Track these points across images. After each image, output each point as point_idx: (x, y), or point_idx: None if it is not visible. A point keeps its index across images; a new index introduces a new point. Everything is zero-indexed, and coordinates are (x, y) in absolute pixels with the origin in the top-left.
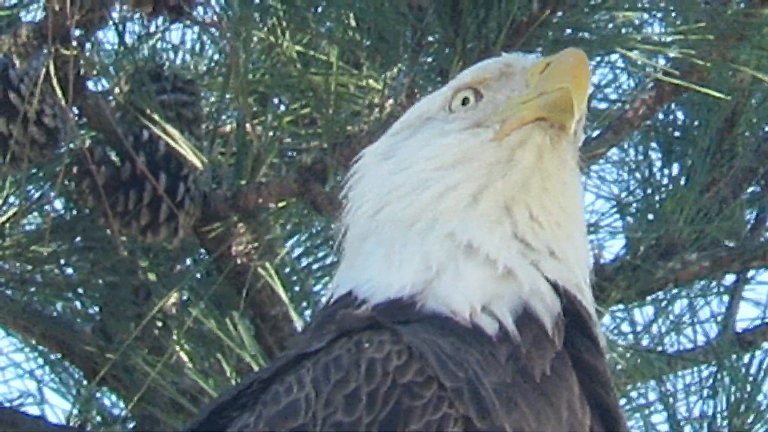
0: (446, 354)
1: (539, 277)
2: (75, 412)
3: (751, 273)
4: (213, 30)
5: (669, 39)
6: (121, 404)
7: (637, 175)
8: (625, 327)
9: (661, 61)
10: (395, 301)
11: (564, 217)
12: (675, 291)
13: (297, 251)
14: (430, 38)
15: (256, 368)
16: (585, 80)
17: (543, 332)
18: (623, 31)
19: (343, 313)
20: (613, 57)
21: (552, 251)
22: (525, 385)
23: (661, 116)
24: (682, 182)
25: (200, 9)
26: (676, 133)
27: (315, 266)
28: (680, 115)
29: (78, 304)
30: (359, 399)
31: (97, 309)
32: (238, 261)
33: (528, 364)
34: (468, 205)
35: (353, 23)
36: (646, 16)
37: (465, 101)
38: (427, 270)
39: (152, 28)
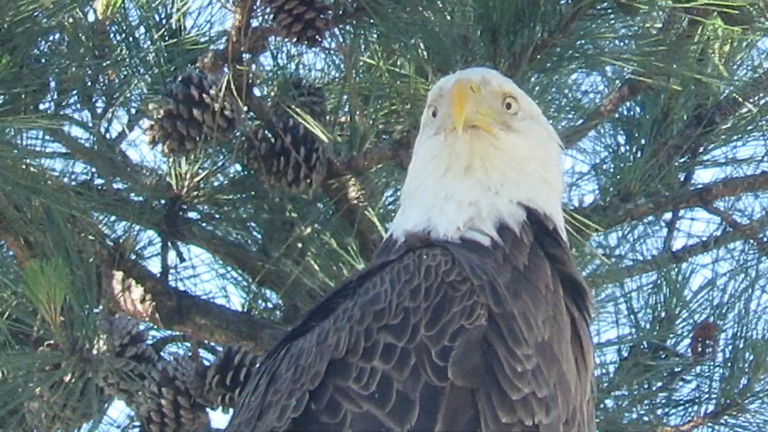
0: (475, 263)
1: (498, 200)
2: (246, 302)
3: (681, 212)
4: (335, 54)
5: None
6: (275, 297)
7: (608, 148)
8: (599, 249)
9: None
10: (413, 234)
11: (509, 163)
12: (633, 223)
13: (390, 197)
14: (476, 56)
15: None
16: (460, 105)
17: (515, 235)
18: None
19: (408, 234)
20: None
21: (504, 183)
22: (522, 281)
23: (624, 111)
24: (637, 153)
25: (327, 39)
26: (633, 122)
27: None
28: (637, 109)
29: (247, 232)
30: (419, 291)
31: (259, 236)
32: (351, 203)
33: (513, 260)
34: (442, 176)
35: (423, 49)
36: (617, 42)
37: (434, 113)
38: (424, 213)
39: (294, 52)
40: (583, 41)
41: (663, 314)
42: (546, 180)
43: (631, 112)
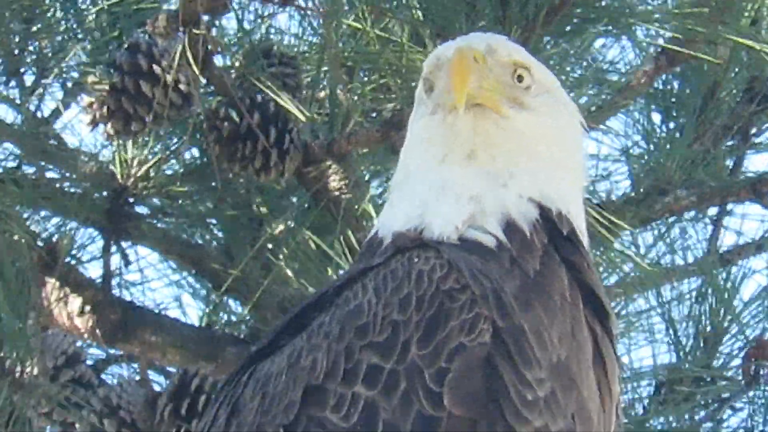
0: (476, 267)
1: (506, 194)
2: (205, 315)
3: (729, 206)
4: (312, 15)
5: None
6: (240, 309)
7: (640, 129)
8: (631, 250)
9: (661, 41)
10: (402, 233)
11: (520, 149)
12: (672, 220)
13: (378, 187)
14: (482, 22)
15: None
16: (462, 79)
17: (524, 236)
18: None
19: (397, 233)
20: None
21: (513, 173)
22: (534, 289)
23: (660, 85)
24: (675, 136)
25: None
26: (671, 99)
27: None
28: (676, 82)
29: (206, 230)
30: (410, 302)
31: (222, 235)
32: (332, 195)
33: (523, 264)
34: (439, 163)
35: (420, 11)
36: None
37: (431, 87)
38: (417, 207)
39: (265, 14)
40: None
41: (708, 329)
42: (565, 169)
43: (670, 86)
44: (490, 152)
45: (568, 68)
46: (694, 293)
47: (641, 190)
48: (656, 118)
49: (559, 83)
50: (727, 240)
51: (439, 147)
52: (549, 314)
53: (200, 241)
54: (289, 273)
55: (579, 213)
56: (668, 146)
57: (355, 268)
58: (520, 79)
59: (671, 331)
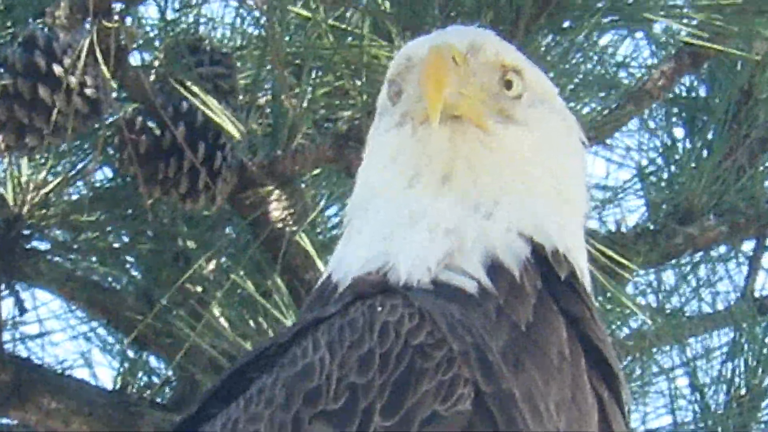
0: (455, 318)
1: (490, 227)
2: (120, 374)
3: None
4: (250, 2)
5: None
6: (164, 366)
7: (657, 143)
8: (648, 291)
9: (683, 33)
10: (362, 278)
11: (508, 172)
12: (696, 257)
13: (332, 217)
14: (459, 9)
15: None
16: (438, 84)
17: (513, 279)
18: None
19: (356, 278)
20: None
21: (499, 202)
22: (526, 345)
23: (681, 88)
24: (701, 151)
25: None
26: (695, 104)
27: None
28: (700, 87)
29: (121, 270)
30: (373, 360)
31: (139, 276)
32: (274, 227)
33: (511, 314)
34: (407, 187)
35: None
36: None
37: (398, 92)
38: (380, 243)
39: (192, 1)
40: None
41: (743, 391)
42: (562, 197)
43: (694, 92)
44: (471, 175)
45: (568, 69)
46: (725, 348)
47: (659, 219)
48: (678, 130)
49: (555, 90)
50: (766, 282)
51: (408, 167)
52: (544, 376)
53: (113, 284)
54: (223, 322)
55: (580, 251)
56: (693, 164)
57: (305, 318)
58: (508, 85)
59: (697, 395)
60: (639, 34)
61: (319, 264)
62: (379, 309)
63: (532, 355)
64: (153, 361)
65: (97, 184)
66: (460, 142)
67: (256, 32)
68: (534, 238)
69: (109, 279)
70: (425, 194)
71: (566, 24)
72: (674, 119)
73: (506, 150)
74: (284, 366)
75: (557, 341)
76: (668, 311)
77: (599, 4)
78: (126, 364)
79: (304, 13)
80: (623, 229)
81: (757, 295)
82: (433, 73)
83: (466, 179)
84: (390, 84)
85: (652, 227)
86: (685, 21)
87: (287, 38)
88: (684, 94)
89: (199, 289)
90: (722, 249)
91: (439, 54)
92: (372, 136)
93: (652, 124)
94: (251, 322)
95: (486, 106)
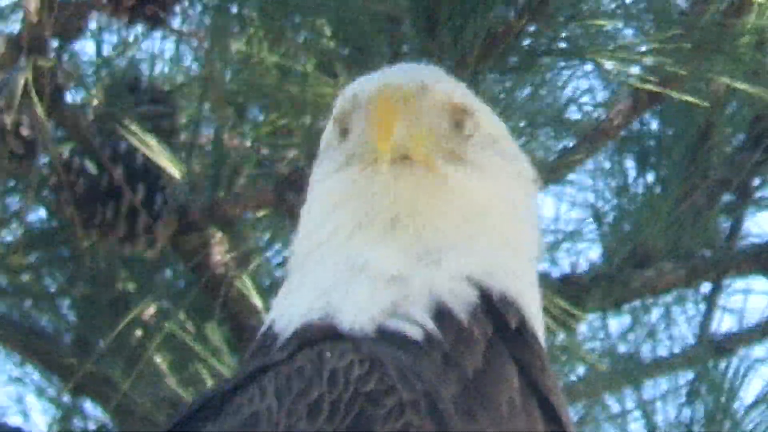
0: (405, 365)
1: (438, 274)
2: (55, 422)
3: (728, 282)
4: (190, 40)
5: (644, 48)
6: (101, 414)
7: (612, 184)
8: (602, 335)
9: (637, 70)
10: (309, 325)
11: (457, 216)
12: (651, 300)
13: (274, 261)
14: (406, 48)
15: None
16: (387, 125)
17: (461, 326)
18: (599, 40)
19: (304, 325)
20: (588, 67)
21: (446, 249)
22: (477, 394)
23: (635, 127)
24: (657, 192)
25: (178, 19)
26: (651, 143)
27: None
28: (655, 125)
29: (57, 314)
30: (322, 408)
31: (75, 320)
32: (216, 271)
33: (460, 362)
34: (350, 235)
35: (329, 33)
36: (620, 26)
37: (344, 132)
38: (321, 294)
39: (130, 38)
40: (568, 25)
41: None
42: (513, 242)
43: (650, 130)
44: (417, 221)
45: (517, 109)
46: (683, 391)
47: (615, 263)
48: (633, 170)
49: (506, 131)
50: (724, 325)
51: (351, 213)
52: (497, 427)
53: (48, 328)
54: (163, 369)
55: (531, 295)
56: (650, 206)
57: (249, 366)
58: (459, 125)
59: None
60: (591, 72)
61: (261, 308)
62: (328, 355)
63: (482, 405)
64: (89, 408)
65: (33, 226)
66: (407, 185)
67: (196, 69)
68: (482, 283)
69: (44, 323)
70: (368, 243)
71: (514, 62)
72: (628, 159)
73: (454, 193)
74: (229, 415)
75: (508, 389)
76: (622, 355)
77: (546, 48)
78: (62, 411)
79: (246, 49)
80: (578, 272)
81: (716, 338)
82: (382, 114)
83: (412, 225)
84: (335, 123)
85: (607, 270)
86: (633, 63)
87: (229, 75)
88: (638, 133)
89: (138, 334)
90: (680, 291)
91: (387, 95)
92: (315, 176)
93: (606, 165)
94: (191, 370)
95: (435, 147)
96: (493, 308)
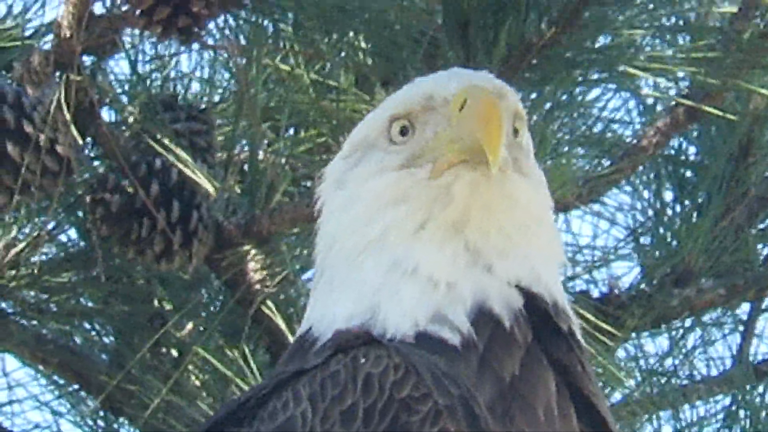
0: (441, 370)
1: (488, 279)
2: None
3: (766, 303)
4: (224, 55)
5: (681, 62)
6: None
7: (651, 203)
8: (641, 355)
9: (673, 85)
10: (346, 333)
11: (515, 227)
12: (689, 321)
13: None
14: (441, 61)
15: None
16: (495, 128)
17: (503, 330)
18: (632, 53)
19: (339, 330)
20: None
21: (502, 256)
22: (514, 399)
23: (674, 144)
24: (695, 210)
25: (212, 35)
26: (689, 161)
27: None
28: (692, 144)
29: (93, 333)
30: (356, 414)
31: (112, 339)
32: (253, 288)
33: (495, 366)
34: (411, 236)
35: (365, 48)
36: (657, 41)
37: (403, 131)
38: (365, 297)
39: (165, 54)
40: (601, 39)
41: None
42: (553, 250)
43: (689, 148)
44: (485, 224)
45: (549, 124)
46: (722, 416)
47: (653, 282)
48: (670, 190)
49: (531, 144)
50: (764, 347)
51: (418, 211)
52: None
53: (84, 347)
54: (198, 386)
55: (568, 302)
56: (688, 225)
57: (284, 370)
58: (516, 133)
59: None
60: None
61: (287, 329)
62: (363, 361)
63: (519, 409)
64: (128, 428)
65: (69, 245)
66: (483, 189)
67: (232, 87)
68: (533, 290)
69: (80, 342)
70: (430, 243)
71: (547, 74)
72: (668, 176)
73: (519, 201)
74: (264, 420)
75: (545, 395)
76: (661, 376)
77: (580, 57)
78: (99, 431)
79: (282, 66)
80: (617, 292)
81: (752, 359)
82: (492, 118)
83: (479, 229)
84: (393, 120)
85: (646, 289)
86: (670, 78)
87: (265, 92)
88: (677, 151)
89: (174, 353)
90: (719, 312)
91: (493, 100)
92: (344, 173)
93: (639, 185)
94: (227, 389)
95: (510, 155)
96: (536, 314)
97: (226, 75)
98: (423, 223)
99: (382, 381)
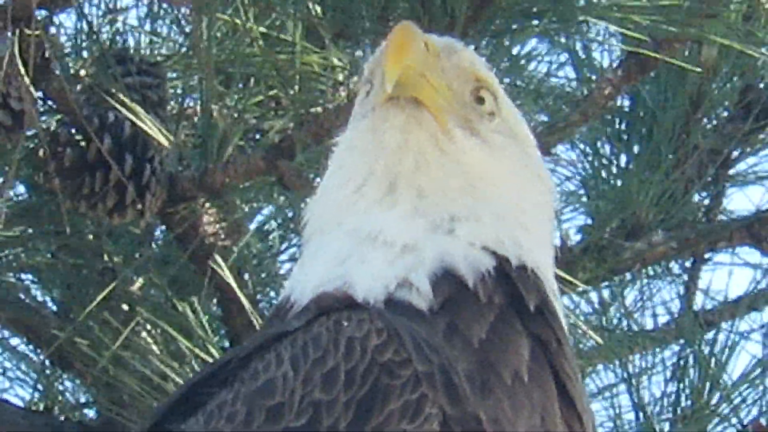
0: (421, 337)
1: (451, 242)
2: (38, 397)
3: (715, 254)
4: (176, 9)
5: (638, 11)
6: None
7: (602, 156)
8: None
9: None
10: (328, 296)
11: (456, 183)
12: (636, 272)
13: (264, 231)
14: (396, 14)
15: (216, 353)
16: (398, 53)
17: (468, 292)
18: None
19: (321, 294)
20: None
21: (457, 216)
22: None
23: (628, 100)
24: (650, 164)
25: None
26: (640, 114)
27: (283, 247)
28: (643, 97)
29: (43, 287)
30: (337, 377)
31: (60, 294)
32: (205, 242)
33: (463, 329)
34: (358, 198)
35: (317, 5)
36: None
37: (368, 92)
38: (335, 265)
39: (117, 6)
40: None
41: (690, 411)
42: (526, 217)
43: (640, 101)
44: (417, 180)
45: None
46: (670, 365)
47: (605, 235)
48: (623, 142)
49: (528, 132)
50: (711, 297)
51: (360, 164)
52: (513, 401)
53: (33, 301)
54: (149, 342)
55: (551, 277)
56: (639, 178)
57: (266, 332)
58: (480, 101)
59: (640, 414)
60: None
61: (240, 289)
62: (345, 324)
63: (499, 379)
64: (76, 381)
65: (19, 198)
66: (414, 133)
67: (182, 41)
68: (498, 252)
69: (30, 296)
70: (374, 207)
71: (499, 26)
72: (618, 129)
73: (461, 157)
74: (245, 381)
75: (514, 361)
76: (608, 328)
77: (535, 9)
78: (50, 386)
79: (233, 20)
80: (569, 244)
81: (702, 309)
82: (397, 44)
83: (412, 185)
84: (365, 84)
85: (597, 242)
86: (625, 26)
87: (215, 46)
88: (629, 104)
89: (124, 307)
90: (671, 264)
91: (407, 29)
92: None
93: (592, 136)
94: (178, 345)
95: (451, 108)
96: (510, 280)
97: (177, 29)
98: (363, 182)
99: (364, 345)
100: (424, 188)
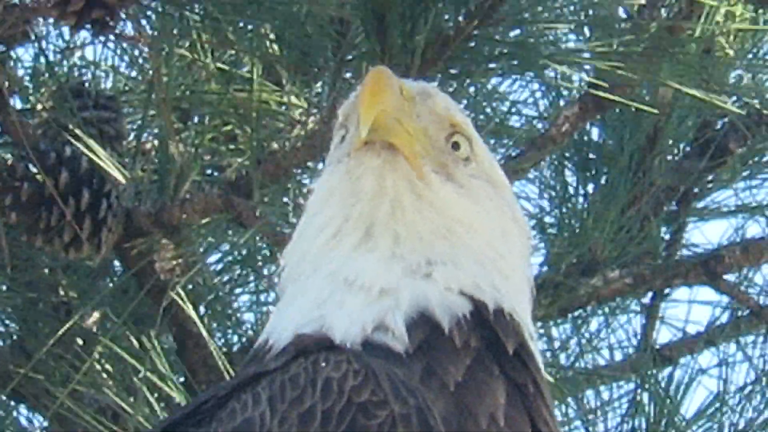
0: (399, 379)
1: (427, 286)
2: None
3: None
4: (134, 45)
5: (592, 53)
6: (40, 422)
7: (554, 193)
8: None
9: (584, 76)
10: (307, 338)
11: (432, 228)
12: (592, 309)
13: (218, 267)
14: (354, 53)
15: (168, 389)
16: (372, 99)
17: (443, 336)
18: (547, 47)
19: (299, 335)
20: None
21: (434, 260)
22: (459, 406)
23: (586, 136)
24: (604, 200)
25: (123, 24)
26: (595, 151)
27: (238, 282)
28: (600, 135)
29: None
30: (314, 417)
31: (15, 327)
32: (161, 277)
33: (440, 373)
34: (336, 244)
35: (273, 39)
36: (567, 32)
37: (343, 138)
38: (313, 308)
39: (75, 43)
40: (516, 31)
41: None
42: (502, 263)
43: (598, 138)
44: (394, 225)
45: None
46: (625, 401)
47: (561, 271)
48: (578, 178)
49: (505, 179)
50: (666, 333)
51: (337, 210)
52: None
53: None
54: (105, 378)
55: (528, 320)
56: (596, 214)
57: (244, 372)
58: (455, 146)
59: None
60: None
61: (199, 324)
62: (323, 365)
63: (463, 419)
64: (31, 418)
65: None
66: (390, 178)
67: (141, 75)
68: (475, 297)
69: None
70: (352, 252)
71: (462, 67)
72: (573, 167)
73: (437, 202)
74: (223, 420)
75: (490, 404)
76: (563, 366)
77: (496, 49)
78: (8, 416)
79: (191, 55)
80: None
81: (659, 345)
82: (371, 90)
83: (389, 230)
84: (340, 129)
85: (553, 279)
86: (582, 70)
87: (172, 82)
88: (584, 141)
89: (80, 342)
90: (626, 301)
91: (381, 74)
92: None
93: (546, 173)
94: (133, 379)
95: (426, 153)
96: (487, 323)
97: (134, 64)
98: (340, 227)
99: (341, 385)
100: (400, 233)
